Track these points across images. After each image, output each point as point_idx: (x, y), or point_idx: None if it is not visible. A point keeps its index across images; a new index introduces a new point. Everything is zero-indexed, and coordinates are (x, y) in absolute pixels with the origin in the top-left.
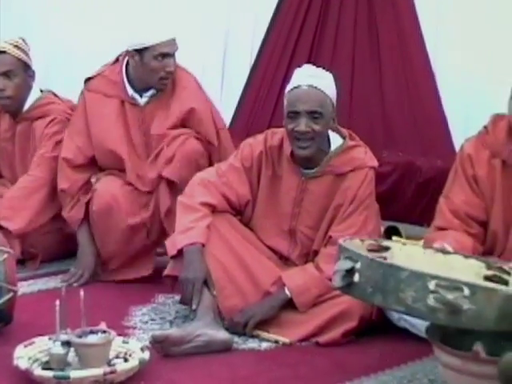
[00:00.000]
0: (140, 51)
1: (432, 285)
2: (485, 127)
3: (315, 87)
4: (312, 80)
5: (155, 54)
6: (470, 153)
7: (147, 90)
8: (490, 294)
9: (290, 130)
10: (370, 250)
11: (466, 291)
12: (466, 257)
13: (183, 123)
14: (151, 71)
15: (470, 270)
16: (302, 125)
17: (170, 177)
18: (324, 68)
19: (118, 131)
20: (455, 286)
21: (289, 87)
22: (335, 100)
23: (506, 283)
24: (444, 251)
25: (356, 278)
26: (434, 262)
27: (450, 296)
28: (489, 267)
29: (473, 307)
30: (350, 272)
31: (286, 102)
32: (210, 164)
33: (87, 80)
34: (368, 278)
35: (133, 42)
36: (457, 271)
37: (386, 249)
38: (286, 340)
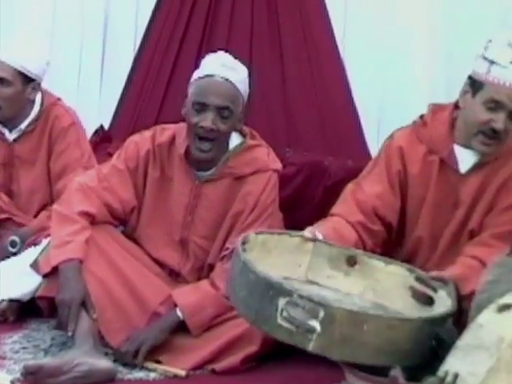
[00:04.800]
0: None
1: None
2: (421, 117)
3: (230, 81)
4: (228, 72)
5: None
6: (401, 145)
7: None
8: None
9: (193, 124)
10: None
11: None
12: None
13: None
14: None
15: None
16: (209, 120)
17: None
18: None
19: None
20: None
21: (199, 74)
22: (246, 99)
23: None
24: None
25: None
26: None
27: None
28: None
29: None
30: None
31: (192, 90)
32: None
33: None
34: None
35: None
36: None
37: None
38: (182, 372)
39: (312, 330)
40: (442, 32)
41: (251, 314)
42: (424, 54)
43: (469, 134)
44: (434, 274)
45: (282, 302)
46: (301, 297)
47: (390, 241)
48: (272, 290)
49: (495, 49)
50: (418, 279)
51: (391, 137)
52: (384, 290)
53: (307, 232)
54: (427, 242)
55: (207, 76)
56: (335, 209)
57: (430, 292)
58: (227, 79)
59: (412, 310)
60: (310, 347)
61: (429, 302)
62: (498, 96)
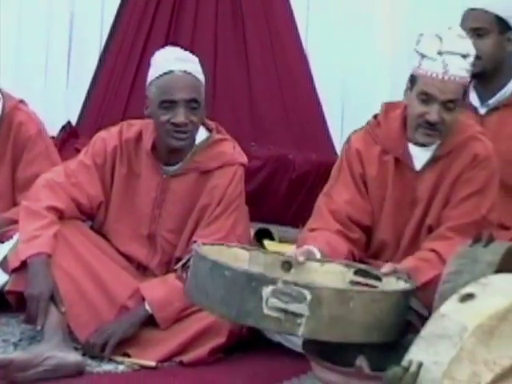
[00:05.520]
0: None
1: None
2: (375, 117)
3: (190, 73)
4: (184, 65)
5: None
6: (358, 148)
7: None
8: None
9: (164, 122)
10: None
11: None
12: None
13: None
14: None
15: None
16: (181, 115)
17: None
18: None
19: None
20: None
21: (156, 72)
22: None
23: None
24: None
25: None
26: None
27: None
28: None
29: None
30: None
31: (154, 90)
32: None
33: None
34: None
35: None
36: None
37: None
38: (152, 363)
39: (300, 315)
40: (404, 19)
41: (232, 311)
42: (387, 42)
43: (412, 129)
44: (386, 268)
45: (266, 291)
46: (286, 282)
47: None
48: (254, 281)
49: (425, 42)
50: (358, 272)
51: (348, 141)
52: None
53: (291, 252)
54: (391, 244)
55: (166, 73)
56: (314, 224)
57: (372, 282)
58: (186, 71)
59: None
60: (300, 332)
61: None
62: (428, 88)
